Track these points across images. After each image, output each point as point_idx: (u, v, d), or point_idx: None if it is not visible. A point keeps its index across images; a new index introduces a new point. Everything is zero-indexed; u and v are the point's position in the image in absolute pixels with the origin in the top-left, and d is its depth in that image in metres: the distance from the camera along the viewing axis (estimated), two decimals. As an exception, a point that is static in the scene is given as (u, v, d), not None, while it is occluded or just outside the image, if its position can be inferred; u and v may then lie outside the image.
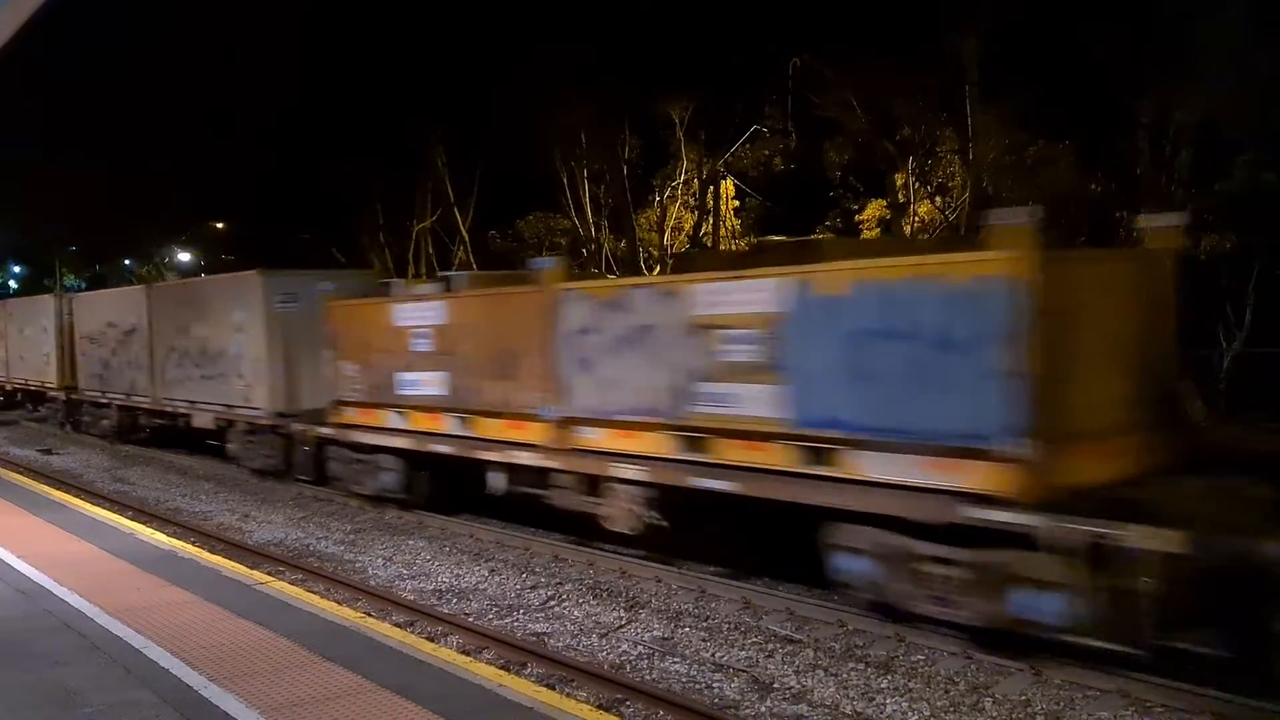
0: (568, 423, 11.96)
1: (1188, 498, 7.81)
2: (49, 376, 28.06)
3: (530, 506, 12.58)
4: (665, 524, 11.27)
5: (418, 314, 14.46)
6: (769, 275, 9.87)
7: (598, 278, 13.47)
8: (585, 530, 12.27)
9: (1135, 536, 7.33)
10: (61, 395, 27.78)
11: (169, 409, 21.76)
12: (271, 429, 18.08)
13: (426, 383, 14.24)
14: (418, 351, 14.37)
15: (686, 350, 10.57)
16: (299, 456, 17.43)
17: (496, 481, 13.27)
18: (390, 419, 14.99)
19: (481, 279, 14.90)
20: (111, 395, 24.72)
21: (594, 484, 11.78)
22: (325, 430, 16.34)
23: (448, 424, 13.87)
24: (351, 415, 15.83)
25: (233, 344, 19.15)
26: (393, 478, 15.18)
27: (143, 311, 22.88)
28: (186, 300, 21.46)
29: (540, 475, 12.46)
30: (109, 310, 25.10)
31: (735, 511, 10.52)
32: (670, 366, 10.72)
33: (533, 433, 12.40)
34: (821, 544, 9.62)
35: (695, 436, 10.56)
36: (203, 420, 20.42)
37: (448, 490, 14.72)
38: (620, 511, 11.53)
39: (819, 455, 9.42)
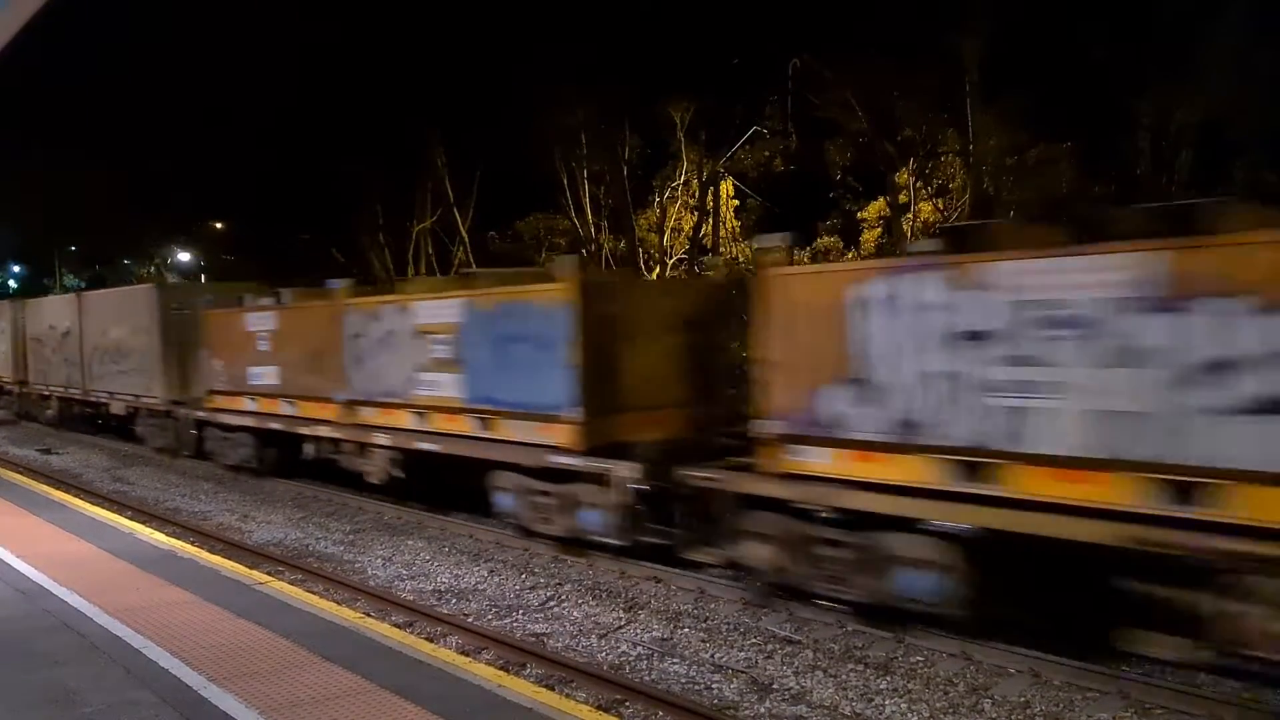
0: (350, 404, 15.81)
1: (662, 448, 11.44)
2: (7, 372, 31.93)
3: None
4: (403, 476, 15.01)
5: (259, 321, 18.20)
6: (454, 296, 13.82)
7: (370, 294, 16.48)
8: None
9: (619, 469, 11.39)
10: (16, 388, 31.52)
11: (94, 399, 25.39)
12: (166, 414, 21.70)
13: (266, 375, 18.05)
14: (260, 350, 18.18)
15: (413, 349, 14.36)
16: (186, 435, 20.91)
17: (308, 450, 17.07)
18: (245, 403, 18.80)
19: (302, 294, 18.07)
20: (53, 388, 28.10)
21: (363, 448, 15.56)
22: (201, 413, 20.16)
23: (280, 407, 17.72)
24: (220, 401, 19.59)
25: (139, 344, 22.57)
26: (247, 450, 18.90)
27: (75, 316, 26.10)
28: (107, 307, 24.88)
29: (334, 444, 16.27)
30: (51, 315, 28.25)
31: (443, 466, 14.15)
32: (404, 361, 14.55)
33: (329, 412, 16.27)
34: (487, 486, 13.36)
35: (420, 411, 14.37)
36: (118, 407, 23.97)
37: (287, 460, 18.00)
38: (377, 468, 15.30)
39: (484, 423, 13.26)
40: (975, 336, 8.47)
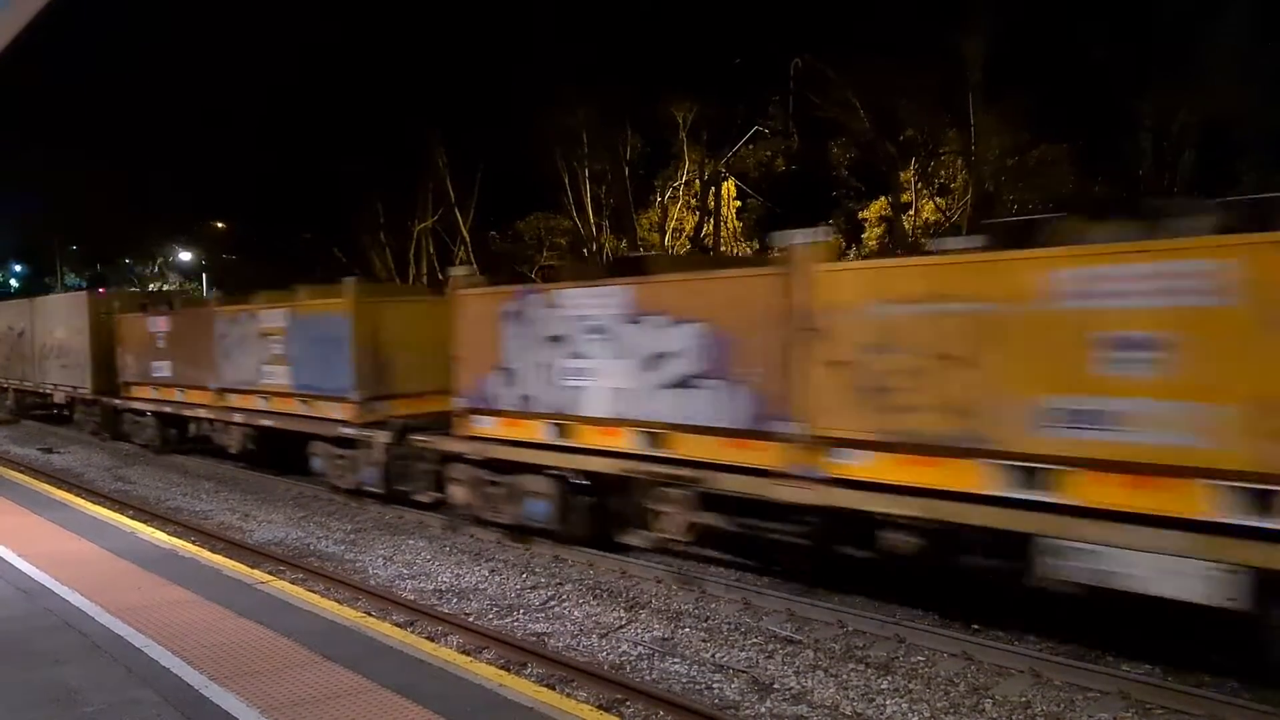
0: (220, 391, 19.79)
1: (409, 421, 15.14)
2: None
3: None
4: (254, 448, 19.09)
5: (156, 325, 22.32)
6: (283, 306, 17.84)
7: (231, 304, 20.13)
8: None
9: (378, 436, 15.20)
10: None
11: (43, 390, 29.17)
12: (94, 402, 25.73)
13: (162, 368, 22.06)
14: (158, 348, 22.21)
15: (259, 348, 18.38)
16: (109, 420, 25.28)
17: (192, 428, 21.79)
18: (149, 392, 22.83)
19: (187, 301, 23.45)
20: (10, 381, 31.94)
21: (230, 427, 19.60)
22: (118, 401, 24.31)
23: (174, 394, 21.63)
24: (132, 391, 23.73)
25: (75, 344, 26.21)
26: (152, 431, 22.99)
27: (29, 318, 29.73)
28: (52, 311, 28.38)
29: (210, 423, 20.46)
30: (10, 317, 31.93)
31: (281, 437, 18.07)
32: (254, 357, 18.56)
33: (206, 398, 20.20)
34: (309, 454, 17.29)
35: (265, 396, 18.34)
36: (59, 397, 27.95)
37: (182, 440, 22.61)
38: (236, 441, 19.50)
39: (306, 403, 17.20)
40: (555, 339, 12.31)
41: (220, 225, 49.04)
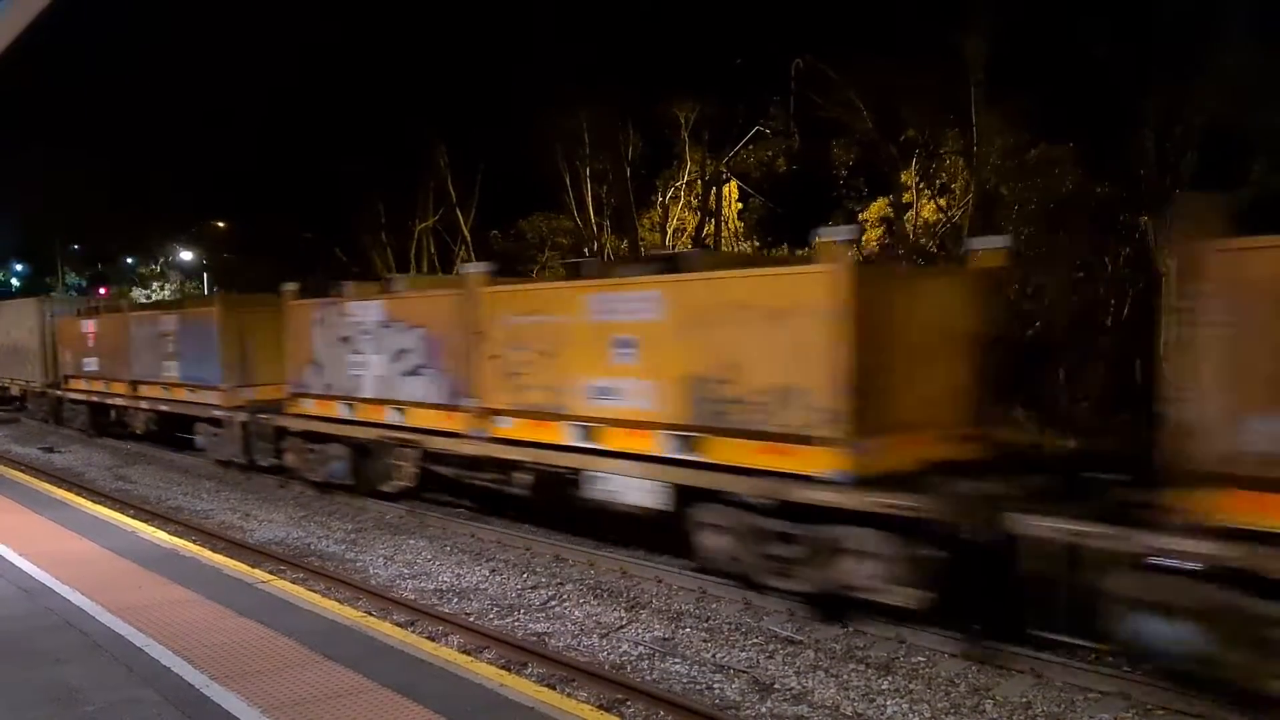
0: (132, 383, 23.72)
1: (263, 404, 18.67)
2: None
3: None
4: (155, 429, 23.06)
5: (87, 326, 26.24)
6: (174, 312, 22.30)
7: (141, 309, 25.12)
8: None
9: (237, 416, 18.89)
10: None
11: (2, 384, 33.30)
12: (43, 394, 29.67)
13: (91, 364, 26.07)
14: (89, 346, 26.11)
15: (158, 346, 22.40)
16: (53, 410, 29.14)
17: (112, 414, 25.34)
18: (82, 384, 26.75)
19: (108, 307, 26.94)
20: None
21: (137, 412, 23.57)
22: (59, 393, 28.29)
23: (100, 386, 25.56)
24: (70, 384, 27.61)
25: (29, 343, 29.99)
26: (85, 418, 27.09)
27: None
28: (10, 314, 32.25)
29: (124, 410, 24.34)
30: None
31: (175, 420, 22.22)
32: (155, 353, 22.48)
33: (123, 389, 24.15)
34: (194, 432, 21.17)
35: (164, 385, 22.26)
36: (15, 390, 32.24)
37: (108, 425, 25.94)
38: (141, 423, 23.54)
39: (193, 391, 21.00)
40: (344, 339, 16.14)
41: (221, 225, 49.01)
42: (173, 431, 22.72)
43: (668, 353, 10.88)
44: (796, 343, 9.71)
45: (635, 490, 11.36)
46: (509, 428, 13.05)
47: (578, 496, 12.07)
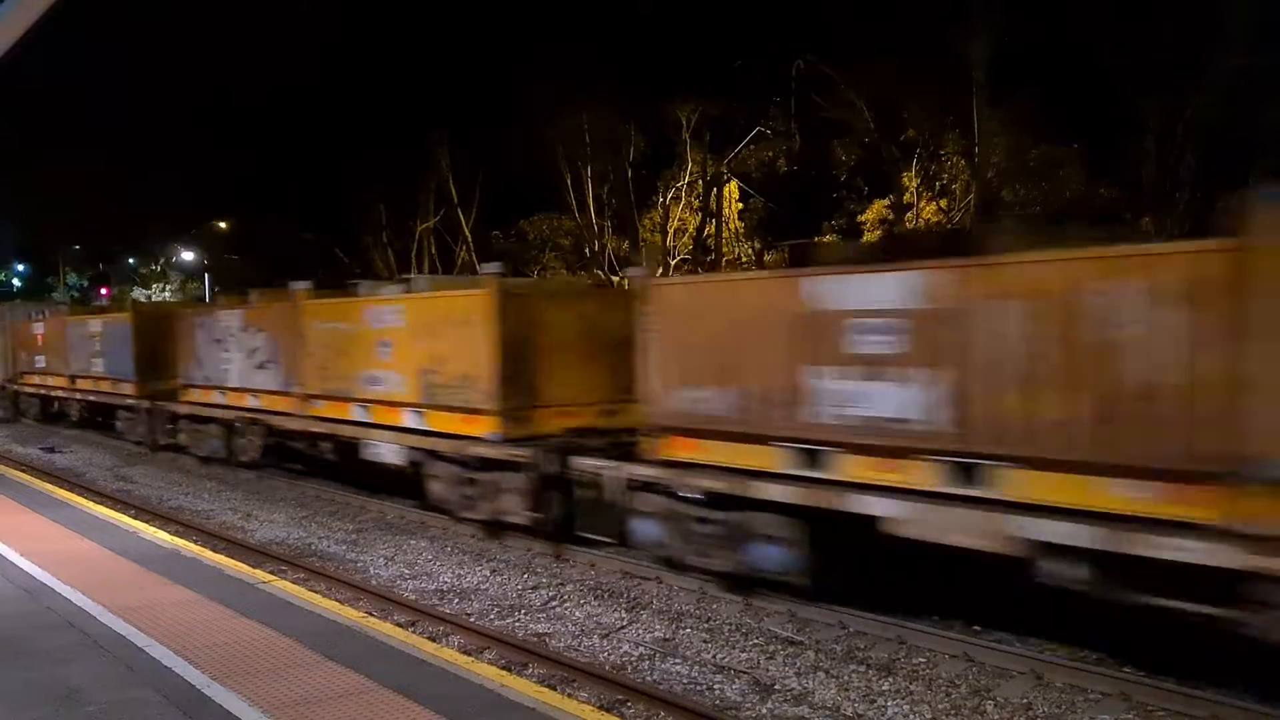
0: (71, 377, 27.29)
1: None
2: None
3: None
4: (89, 415, 26.78)
5: (36, 329, 30.74)
6: (100, 317, 26.38)
7: (74, 314, 29.59)
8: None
9: (142, 404, 23.43)
10: None
11: None
12: (3, 388, 33.68)
13: (40, 361, 30.14)
14: (38, 345, 30.23)
15: (88, 345, 25.95)
16: (12, 403, 33.03)
17: (55, 405, 29.31)
18: (35, 379, 30.80)
19: (55, 312, 32.62)
20: None
21: (73, 402, 27.59)
22: (16, 387, 32.56)
23: (48, 380, 29.52)
24: (26, 379, 31.72)
25: None
26: (36, 410, 31.09)
27: None
28: None
29: (63, 401, 28.51)
30: None
31: (104, 409, 25.95)
32: (85, 352, 26.14)
33: (64, 382, 27.82)
34: (116, 420, 25.14)
35: (94, 379, 25.83)
36: None
37: (53, 414, 29.98)
38: (76, 412, 27.74)
39: (114, 384, 24.69)
40: (218, 340, 19.95)
41: (222, 225, 49.02)
42: (99, 418, 26.70)
43: (409, 351, 14.59)
44: (471, 344, 13.35)
45: (391, 453, 15.05)
46: (320, 408, 16.76)
47: (361, 459, 15.82)
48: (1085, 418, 7.63)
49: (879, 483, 9.06)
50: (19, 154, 43.89)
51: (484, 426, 13.25)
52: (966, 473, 8.36)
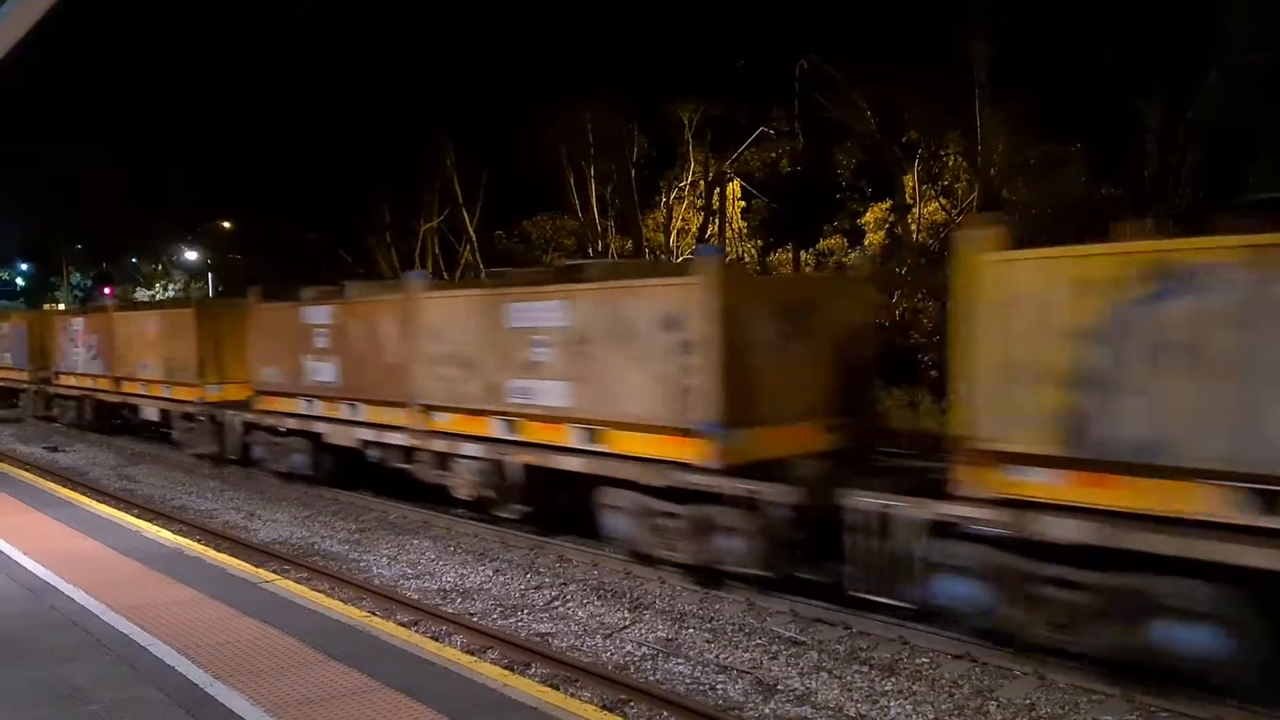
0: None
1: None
2: None
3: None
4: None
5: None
6: (7, 321, 34.89)
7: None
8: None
9: (31, 386, 31.73)
10: None
11: None
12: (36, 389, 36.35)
13: (3, 359, 33.94)
14: (4, 345, 33.90)
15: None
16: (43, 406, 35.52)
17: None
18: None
19: (27, 311, 38.43)
20: None
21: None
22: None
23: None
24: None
25: None
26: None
27: None
28: None
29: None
30: None
31: (13, 393, 33.75)
32: (24, 351, 31.64)
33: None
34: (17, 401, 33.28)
35: (3, 369, 34.00)
36: None
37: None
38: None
39: (17, 371, 32.73)
40: (72, 339, 27.33)
41: (226, 225, 49.04)
42: (9, 400, 33.86)
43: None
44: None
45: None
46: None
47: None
48: (380, 377, 15.66)
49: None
50: (22, 153, 43.92)
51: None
52: (352, 406, 16.37)
